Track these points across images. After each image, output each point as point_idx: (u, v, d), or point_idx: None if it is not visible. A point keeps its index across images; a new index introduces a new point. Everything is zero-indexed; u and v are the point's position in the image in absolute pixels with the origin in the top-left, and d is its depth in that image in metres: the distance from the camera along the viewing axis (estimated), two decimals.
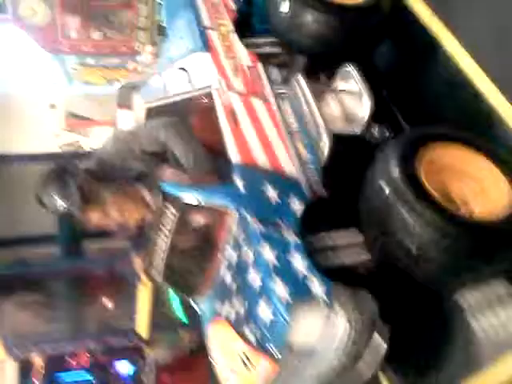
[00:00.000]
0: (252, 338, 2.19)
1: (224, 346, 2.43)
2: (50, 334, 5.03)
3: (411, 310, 2.69)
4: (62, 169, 2.69)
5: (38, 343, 4.99)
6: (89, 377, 5.41)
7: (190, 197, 2.42)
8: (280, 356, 2.09)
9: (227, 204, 2.34)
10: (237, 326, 2.30)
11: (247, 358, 2.21)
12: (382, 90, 3.00)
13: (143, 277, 3.36)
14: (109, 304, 5.25)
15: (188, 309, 4.75)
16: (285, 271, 2.11)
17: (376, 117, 2.65)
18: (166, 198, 2.52)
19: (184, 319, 4.78)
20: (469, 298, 2.55)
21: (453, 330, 2.69)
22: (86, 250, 5.29)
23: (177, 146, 2.63)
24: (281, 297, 2.04)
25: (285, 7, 2.79)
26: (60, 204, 2.54)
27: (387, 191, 2.04)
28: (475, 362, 2.56)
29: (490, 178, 2.20)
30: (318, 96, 2.67)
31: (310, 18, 2.73)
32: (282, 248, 2.17)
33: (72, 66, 6.01)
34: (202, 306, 2.60)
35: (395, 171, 2.05)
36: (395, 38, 3.05)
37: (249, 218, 2.26)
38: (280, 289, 2.06)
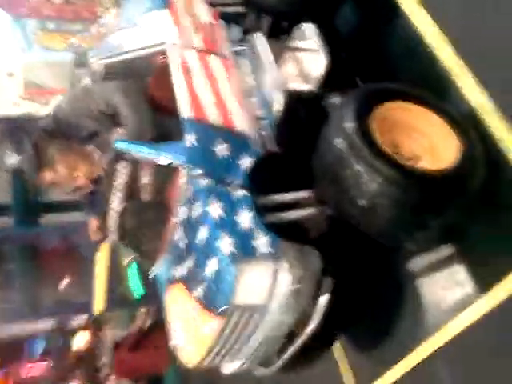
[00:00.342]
0: (201, 296, 2.17)
1: (178, 310, 2.39)
2: (5, 312, 4.85)
3: (361, 273, 2.71)
4: (17, 127, 2.67)
5: None
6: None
7: (142, 151, 2.37)
8: (228, 312, 2.07)
9: (176, 159, 2.29)
10: (188, 284, 2.27)
11: (197, 317, 2.19)
12: (341, 52, 2.95)
13: (99, 243, 3.27)
14: (65, 281, 5.12)
15: (146, 281, 4.67)
16: (231, 226, 2.10)
17: (334, 79, 2.64)
18: (118, 156, 2.49)
19: (141, 292, 4.68)
20: (418, 263, 2.66)
21: (402, 295, 2.76)
22: (41, 222, 5.14)
23: (124, 107, 2.56)
24: (226, 250, 2.04)
25: None
26: (14, 160, 2.53)
27: (341, 146, 2.05)
28: (423, 327, 2.65)
29: (439, 134, 2.22)
30: (277, 54, 2.65)
31: None
32: (228, 203, 2.15)
33: (32, 31, 5.78)
34: (159, 271, 2.56)
35: (349, 127, 2.07)
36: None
37: (197, 173, 2.23)
38: (225, 243, 2.05)
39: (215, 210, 2.13)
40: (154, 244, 2.56)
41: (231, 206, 2.14)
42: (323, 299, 2.19)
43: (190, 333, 2.29)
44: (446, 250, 2.50)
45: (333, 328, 2.77)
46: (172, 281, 2.41)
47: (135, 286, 4.65)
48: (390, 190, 1.97)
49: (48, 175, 2.59)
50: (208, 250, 2.13)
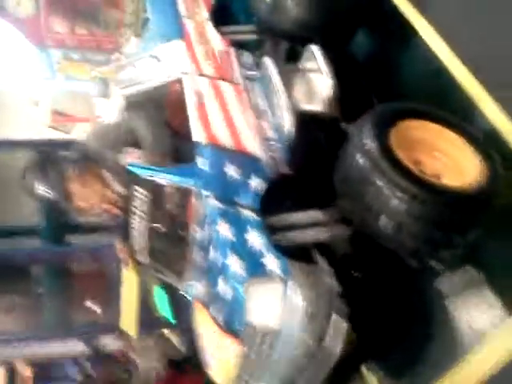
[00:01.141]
0: (219, 319, 2.22)
1: (204, 331, 2.45)
2: (36, 332, 4.97)
3: (388, 294, 2.70)
4: (45, 158, 2.91)
5: (24, 341, 4.92)
6: None
7: (157, 177, 2.48)
8: (244, 336, 2.09)
9: (189, 182, 2.39)
10: (208, 306, 2.32)
11: (218, 339, 2.25)
12: (361, 79, 3.05)
13: (128, 265, 3.38)
14: (94, 301, 5.21)
15: (176, 307, 4.74)
16: (241, 248, 2.13)
17: (351, 104, 2.67)
18: (133, 180, 2.58)
19: (170, 315, 4.74)
20: (448, 284, 2.60)
21: (432, 316, 2.73)
22: (69, 243, 5.26)
23: (142, 128, 2.75)
24: (236, 273, 2.08)
25: None
26: (41, 191, 2.73)
27: (362, 164, 2.07)
28: (456, 352, 2.58)
29: (460, 152, 2.24)
30: (288, 77, 2.72)
31: (292, 3, 2.81)
32: (237, 224, 2.19)
33: (56, 61, 5.99)
34: (188, 290, 2.63)
35: (369, 144, 2.08)
36: (372, 25, 3.11)
37: (208, 195, 2.29)
38: (234, 263, 2.09)
39: (224, 230, 2.18)
40: (182, 263, 2.62)
41: (240, 227, 2.18)
42: (336, 320, 2.15)
43: (217, 356, 2.33)
44: (475, 270, 2.49)
45: (360, 351, 2.71)
46: (195, 300, 2.50)
47: (164, 308, 4.72)
48: (413, 206, 1.97)
49: (75, 202, 2.76)
50: (218, 271, 2.18)
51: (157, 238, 2.67)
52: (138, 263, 2.95)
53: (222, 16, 3.18)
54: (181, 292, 2.70)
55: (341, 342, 2.17)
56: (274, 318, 2.07)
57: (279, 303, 2.05)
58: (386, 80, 3.05)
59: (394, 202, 1.98)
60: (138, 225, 2.61)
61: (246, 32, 3.15)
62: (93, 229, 4.97)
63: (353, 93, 2.72)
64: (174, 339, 5.61)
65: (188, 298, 2.65)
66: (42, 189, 2.74)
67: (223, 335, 2.20)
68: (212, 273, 2.24)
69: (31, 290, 5.00)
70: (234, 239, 2.16)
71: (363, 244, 2.33)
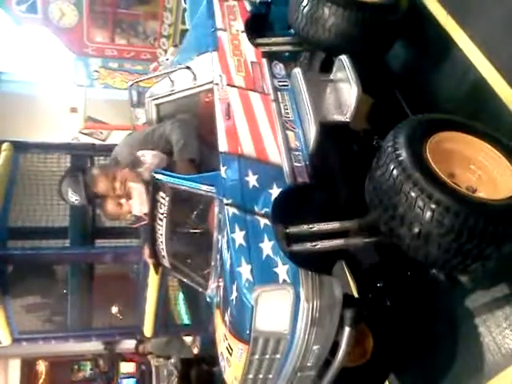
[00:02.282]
0: (228, 321, 2.24)
1: (218, 334, 2.48)
2: (58, 332, 5.03)
3: (413, 310, 2.71)
4: (76, 166, 3.22)
5: (45, 340, 4.98)
6: None
7: (177, 182, 2.55)
8: (252, 338, 2.10)
9: (210, 189, 2.43)
10: (221, 308, 2.36)
11: (228, 343, 2.26)
12: (394, 89, 3.06)
13: (152, 268, 3.41)
14: (117, 305, 5.27)
15: (194, 309, 4.76)
16: (252, 253, 2.15)
17: (389, 118, 2.69)
18: (158, 186, 2.64)
19: (188, 318, 4.77)
20: (475, 301, 2.57)
21: (458, 335, 2.68)
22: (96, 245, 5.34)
23: (174, 133, 2.87)
24: (244, 277, 2.10)
25: (306, 4, 2.90)
26: (74, 198, 2.99)
27: (395, 174, 2.06)
28: (481, 369, 2.54)
29: (496, 166, 2.21)
30: (318, 87, 2.74)
31: (330, 13, 2.83)
32: (253, 231, 2.21)
33: (95, 69, 6.17)
34: (211, 295, 2.65)
35: (403, 154, 2.07)
36: (410, 37, 3.12)
37: (225, 201, 2.32)
38: (245, 270, 2.11)
39: (239, 237, 2.20)
40: (203, 269, 2.67)
41: (255, 235, 2.19)
42: (346, 332, 2.17)
43: (226, 359, 2.34)
44: (503, 288, 2.46)
45: (383, 366, 2.78)
46: (216, 305, 2.52)
47: (183, 312, 4.75)
48: (445, 217, 1.93)
49: (108, 208, 2.92)
50: (231, 277, 2.20)
51: (181, 243, 2.75)
52: (163, 267, 2.99)
53: (258, 27, 3.23)
54: (205, 296, 2.71)
55: (346, 348, 2.18)
56: (284, 322, 2.09)
57: (288, 309, 2.07)
58: (421, 91, 3.05)
59: (426, 213, 1.96)
60: (163, 230, 2.66)
61: (282, 43, 3.18)
62: (120, 233, 5.05)
63: (386, 104, 2.74)
64: (188, 340, 5.62)
65: (210, 301, 2.67)
66: (73, 197, 2.99)
67: (231, 337, 2.22)
68: (226, 277, 2.26)
69: (56, 290, 5.08)
70: (248, 245, 2.17)
71: (390, 255, 2.33)
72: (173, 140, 2.89)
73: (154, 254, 2.83)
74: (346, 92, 2.67)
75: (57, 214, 5.05)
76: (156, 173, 2.64)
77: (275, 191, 2.33)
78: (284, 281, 2.07)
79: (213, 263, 2.52)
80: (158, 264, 2.92)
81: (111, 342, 6.02)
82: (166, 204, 2.61)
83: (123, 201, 2.88)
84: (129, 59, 6.09)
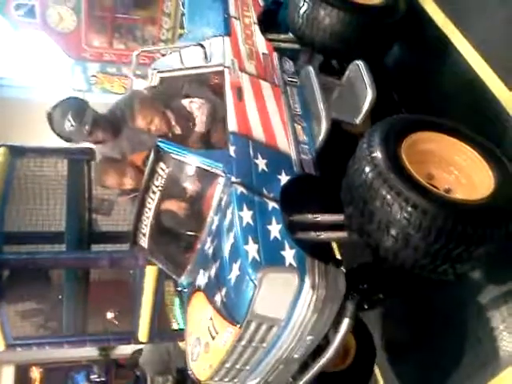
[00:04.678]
0: (219, 302, 2.18)
1: (195, 319, 2.41)
2: (53, 338, 4.98)
3: (418, 303, 2.70)
4: (83, 102, 2.92)
5: (40, 346, 4.94)
6: None
7: (185, 155, 2.49)
8: (245, 321, 2.05)
9: (217, 165, 2.40)
10: (208, 291, 2.30)
11: (213, 326, 2.20)
12: (392, 92, 3.05)
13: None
14: (113, 310, 5.24)
15: None
16: (260, 233, 2.12)
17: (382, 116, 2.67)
18: (160, 156, 2.56)
19: (184, 326, 4.72)
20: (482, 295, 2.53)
21: (464, 330, 2.65)
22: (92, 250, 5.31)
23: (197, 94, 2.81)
24: (251, 256, 2.05)
25: (304, 6, 2.93)
26: (69, 125, 2.71)
27: (370, 175, 2.04)
28: (486, 366, 2.51)
29: (474, 166, 2.18)
30: (326, 88, 2.77)
31: (328, 15, 2.85)
32: (261, 212, 2.20)
33: (93, 74, 6.16)
34: (184, 282, 2.62)
35: (377, 156, 2.06)
36: (408, 39, 3.13)
37: (233, 180, 2.31)
38: (252, 249, 2.07)
39: (247, 216, 2.18)
40: (184, 253, 2.63)
41: (264, 216, 2.18)
42: (345, 323, 2.15)
43: (204, 344, 2.27)
44: (500, 290, 2.45)
45: (363, 374, 2.76)
46: (194, 290, 2.46)
47: (180, 317, 4.70)
48: (421, 219, 1.92)
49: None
50: (233, 256, 2.15)
51: (168, 223, 2.65)
52: (136, 245, 2.83)
53: (268, 22, 3.29)
54: (179, 281, 2.66)
55: (339, 344, 2.16)
56: (283, 307, 2.05)
57: (290, 294, 2.03)
58: (418, 93, 3.06)
59: (400, 214, 1.93)
60: (153, 204, 2.59)
61: (287, 41, 3.20)
62: (116, 237, 5.02)
63: (384, 105, 2.72)
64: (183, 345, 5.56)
65: (181, 288, 2.62)
66: (71, 122, 2.71)
67: (221, 320, 2.16)
68: (224, 257, 2.22)
69: (51, 296, 5.04)
70: (256, 225, 2.14)
71: None
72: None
73: (135, 229, 2.72)
74: (359, 95, 2.70)
75: (53, 218, 5.03)
76: (162, 142, 2.57)
77: (284, 178, 2.34)
78: (290, 265, 2.04)
79: (199, 246, 2.48)
80: (134, 243, 2.81)
81: (106, 348, 5.99)
82: (165, 177, 2.56)
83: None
84: (127, 64, 6.06)
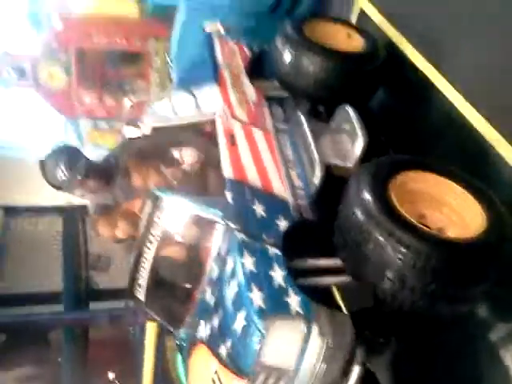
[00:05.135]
0: (224, 354, 2.12)
1: (198, 372, 2.34)
2: None
3: (427, 344, 2.61)
4: (76, 150, 2.90)
5: None
6: None
7: (182, 202, 2.49)
8: (253, 372, 1.98)
9: (215, 213, 2.38)
10: (212, 343, 2.24)
11: (219, 379, 2.12)
12: (380, 135, 3.06)
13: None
14: (114, 370, 5.12)
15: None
16: (264, 281, 2.09)
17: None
18: (157, 205, 2.54)
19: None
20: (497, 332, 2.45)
21: (479, 367, 2.56)
22: (90, 309, 5.24)
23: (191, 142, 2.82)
24: (256, 304, 2.00)
25: (288, 55, 2.96)
26: (62, 174, 2.68)
27: (360, 217, 2.02)
28: None
29: (464, 205, 2.17)
30: (316, 133, 2.78)
31: (312, 64, 2.88)
32: (263, 259, 2.17)
33: (85, 130, 6.20)
34: (182, 335, 2.55)
35: (366, 197, 2.04)
36: (391, 83, 3.16)
37: (233, 227, 2.28)
38: (256, 297, 2.02)
39: (249, 263, 2.14)
40: (182, 304, 2.56)
41: (265, 262, 2.15)
42: (356, 370, 2.06)
43: None
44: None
45: None
46: (195, 342, 2.39)
47: (182, 374, 4.60)
48: (415, 259, 1.90)
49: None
50: (237, 305, 2.10)
51: (166, 273, 2.61)
52: (133, 297, 2.75)
53: (255, 70, 3.33)
54: (176, 333, 2.59)
55: None
56: (291, 356, 1.98)
57: (297, 343, 1.96)
58: (405, 134, 3.06)
59: (396, 257, 1.91)
60: (150, 255, 2.55)
61: (274, 88, 3.21)
62: (114, 294, 4.94)
63: (372, 148, 2.72)
64: None
65: (181, 343, 2.56)
66: (61, 172, 2.69)
67: (227, 373, 2.08)
68: (228, 307, 2.16)
69: (50, 359, 4.92)
70: (258, 272, 2.12)
71: None
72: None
73: (132, 280, 2.66)
74: (350, 139, 2.74)
75: (50, 278, 4.97)
76: (159, 190, 2.56)
77: (282, 223, 2.34)
78: (297, 312, 1.99)
79: (198, 296, 2.43)
80: (131, 294, 2.73)
81: None
82: (162, 225, 2.52)
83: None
84: (118, 118, 6.12)
